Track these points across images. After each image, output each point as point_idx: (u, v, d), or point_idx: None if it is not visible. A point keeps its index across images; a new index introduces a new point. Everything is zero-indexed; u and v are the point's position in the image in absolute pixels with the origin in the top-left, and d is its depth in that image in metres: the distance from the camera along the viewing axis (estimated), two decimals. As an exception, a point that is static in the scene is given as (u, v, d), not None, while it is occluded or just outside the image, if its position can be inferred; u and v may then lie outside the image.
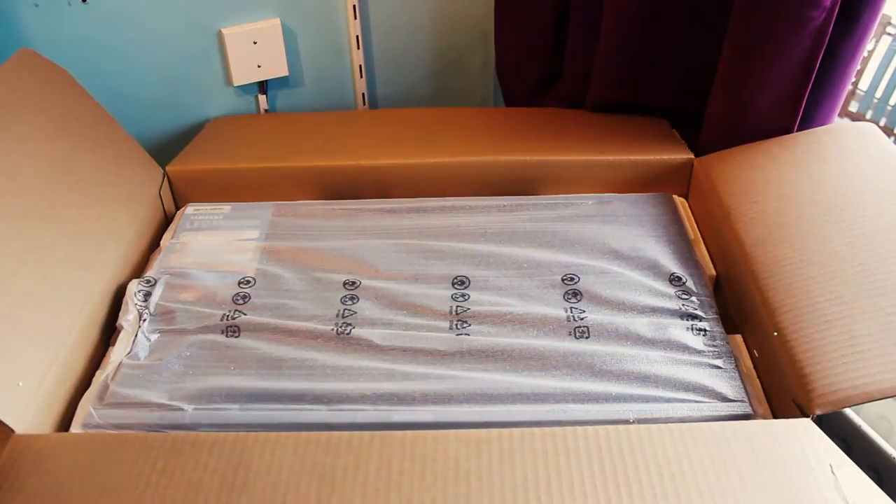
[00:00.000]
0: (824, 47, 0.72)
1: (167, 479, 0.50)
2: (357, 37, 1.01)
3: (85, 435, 0.57)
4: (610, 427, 0.52)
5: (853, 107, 1.62)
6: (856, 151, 0.74)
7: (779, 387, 0.59)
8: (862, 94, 1.62)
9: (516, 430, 0.52)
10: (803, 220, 0.67)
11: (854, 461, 0.50)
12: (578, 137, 0.87)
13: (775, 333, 0.59)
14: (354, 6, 0.98)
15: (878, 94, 1.60)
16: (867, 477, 0.49)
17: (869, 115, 1.63)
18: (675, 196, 0.83)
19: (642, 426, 0.53)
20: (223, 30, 0.93)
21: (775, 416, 0.58)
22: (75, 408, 0.61)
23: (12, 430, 0.54)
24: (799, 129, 0.79)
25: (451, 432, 0.52)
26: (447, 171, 0.84)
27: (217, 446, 0.52)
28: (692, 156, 0.83)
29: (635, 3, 0.82)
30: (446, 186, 0.84)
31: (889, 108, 1.61)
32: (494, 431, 0.52)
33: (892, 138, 1.09)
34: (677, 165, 0.83)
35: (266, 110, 1.02)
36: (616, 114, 0.92)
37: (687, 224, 0.78)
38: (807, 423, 0.53)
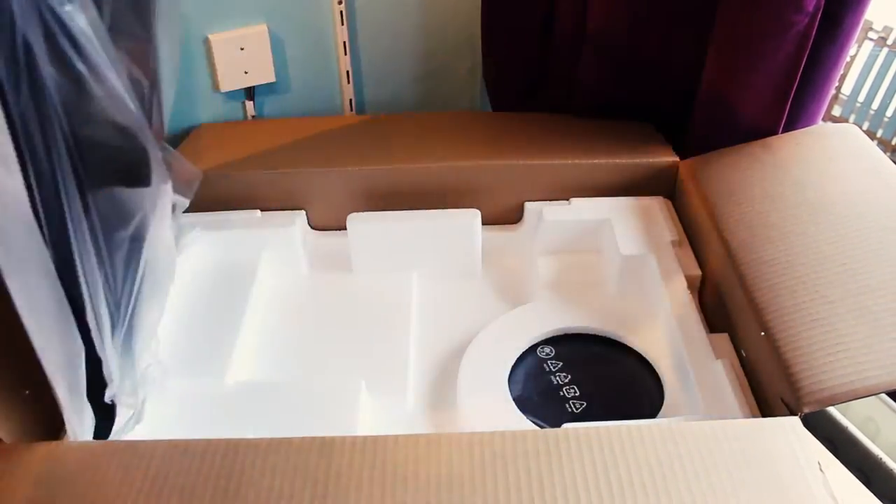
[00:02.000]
0: (808, 51, 0.73)
1: (160, 486, 0.50)
2: (344, 43, 1.01)
3: (75, 443, 0.57)
4: (601, 427, 0.53)
5: (836, 111, 1.64)
6: (839, 152, 0.75)
7: (766, 386, 0.59)
8: (845, 98, 1.64)
9: (508, 432, 0.52)
10: (788, 221, 0.68)
11: (841, 462, 0.51)
12: (564, 141, 0.88)
13: (762, 333, 0.60)
14: (342, 12, 0.98)
15: (861, 98, 1.62)
16: (855, 478, 0.50)
17: (852, 119, 1.65)
18: (659, 198, 0.83)
19: (633, 426, 0.53)
20: (210, 36, 0.93)
21: (763, 416, 0.59)
22: (65, 416, 0.61)
23: (0, 440, 0.53)
24: (783, 133, 0.80)
25: (444, 434, 0.53)
26: (435, 176, 0.84)
27: (209, 453, 0.52)
28: (677, 159, 0.84)
29: (620, 7, 0.83)
30: (434, 190, 0.85)
31: (871, 112, 1.63)
32: (487, 433, 0.52)
33: (875, 142, 1.11)
34: (662, 168, 0.84)
35: (254, 117, 1.02)
36: (601, 118, 0.93)
37: (672, 226, 0.79)
38: (795, 422, 0.53)
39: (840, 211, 0.67)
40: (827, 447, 0.52)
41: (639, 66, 0.87)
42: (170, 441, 0.53)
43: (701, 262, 0.75)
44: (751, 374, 0.63)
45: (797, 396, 0.54)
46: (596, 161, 0.83)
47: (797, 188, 0.71)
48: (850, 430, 0.65)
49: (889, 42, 1.61)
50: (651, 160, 0.84)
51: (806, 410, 0.54)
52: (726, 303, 0.69)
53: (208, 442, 0.53)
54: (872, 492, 0.50)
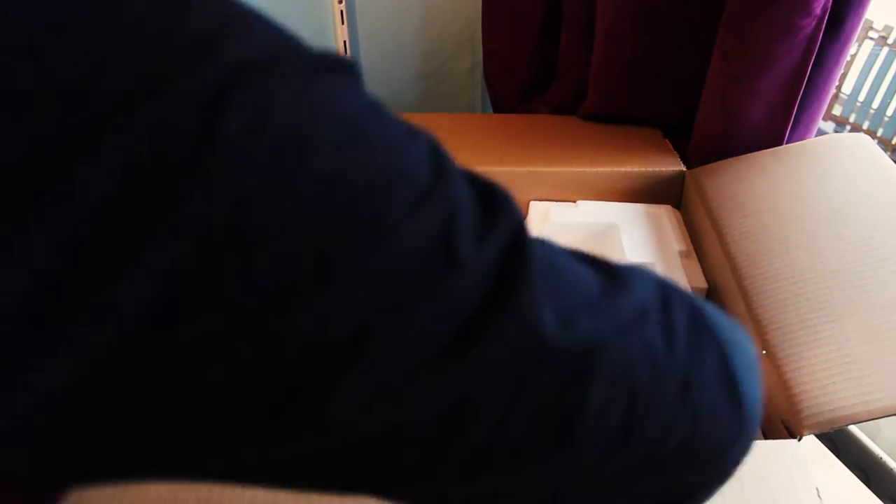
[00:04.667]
0: (814, 55, 0.72)
1: (142, 494, 0.49)
2: (344, 42, 1.00)
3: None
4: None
5: (836, 110, 1.64)
6: (848, 164, 0.74)
7: (767, 406, 0.59)
8: (845, 97, 1.63)
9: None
10: (794, 235, 0.67)
11: (842, 462, 0.50)
12: (570, 147, 0.86)
13: (763, 352, 0.59)
14: (342, 12, 0.97)
15: (861, 97, 1.62)
16: (855, 477, 0.49)
17: (852, 118, 1.64)
18: (668, 207, 0.82)
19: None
20: (208, 34, 0.92)
21: (763, 435, 0.59)
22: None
23: None
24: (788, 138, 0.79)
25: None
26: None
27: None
28: (684, 168, 0.82)
29: (627, 12, 0.81)
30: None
31: (871, 111, 1.63)
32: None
33: (875, 141, 1.10)
34: (669, 177, 0.83)
35: (251, 115, 1.01)
36: (608, 123, 0.91)
37: (681, 236, 0.78)
38: (794, 445, 0.53)
39: (849, 225, 0.66)
40: (827, 447, 0.51)
41: (646, 72, 0.86)
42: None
43: (705, 275, 0.74)
44: (752, 391, 0.62)
45: (797, 419, 0.54)
46: (601, 169, 0.82)
47: (805, 201, 0.70)
48: (850, 430, 0.64)
49: (889, 41, 1.60)
50: (658, 169, 0.82)
51: (806, 433, 0.53)
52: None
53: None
54: (872, 491, 0.49)
